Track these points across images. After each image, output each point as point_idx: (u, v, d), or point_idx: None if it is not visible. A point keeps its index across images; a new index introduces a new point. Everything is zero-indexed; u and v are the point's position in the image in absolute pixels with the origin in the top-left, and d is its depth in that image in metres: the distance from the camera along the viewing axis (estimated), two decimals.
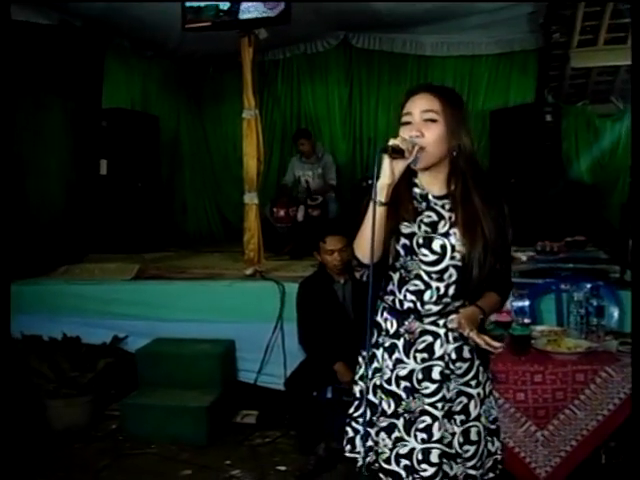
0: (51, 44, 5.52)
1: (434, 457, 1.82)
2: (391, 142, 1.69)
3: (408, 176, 1.82)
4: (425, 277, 1.81)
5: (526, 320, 2.72)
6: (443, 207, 1.84)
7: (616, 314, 3.32)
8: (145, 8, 5.29)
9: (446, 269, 1.80)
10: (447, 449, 1.84)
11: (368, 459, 1.89)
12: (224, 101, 7.57)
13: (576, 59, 6.04)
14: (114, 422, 4.07)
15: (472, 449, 1.88)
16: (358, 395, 2.01)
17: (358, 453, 1.96)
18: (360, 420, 1.96)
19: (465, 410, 1.88)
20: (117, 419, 4.05)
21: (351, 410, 2.03)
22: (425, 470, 1.82)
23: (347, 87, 7.50)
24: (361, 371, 2.00)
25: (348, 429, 2.02)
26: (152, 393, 4.00)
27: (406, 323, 1.86)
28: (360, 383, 2.00)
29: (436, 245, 1.80)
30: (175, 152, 7.61)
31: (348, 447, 2.01)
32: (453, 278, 1.81)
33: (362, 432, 1.92)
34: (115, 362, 4.15)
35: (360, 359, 2.01)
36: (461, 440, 1.86)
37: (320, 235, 3.57)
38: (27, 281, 4.60)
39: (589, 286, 3.02)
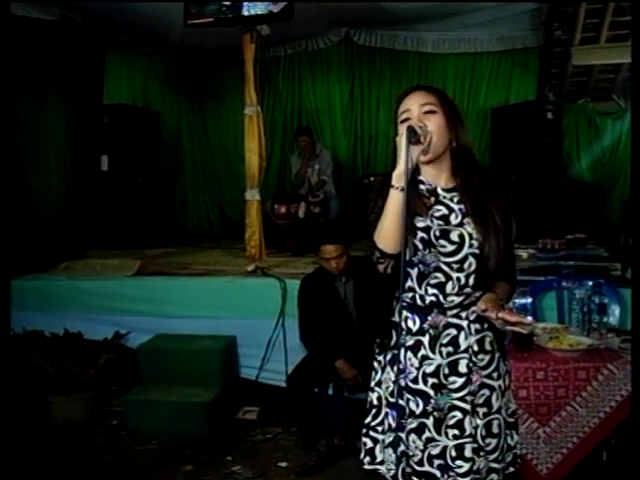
0: (52, 39, 5.52)
1: (468, 452, 1.80)
2: (411, 123, 1.72)
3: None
4: (445, 268, 1.80)
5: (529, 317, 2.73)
6: (452, 200, 1.84)
7: (617, 312, 3.32)
8: (146, 4, 5.29)
9: (465, 258, 1.80)
10: (473, 444, 1.82)
11: (402, 465, 1.83)
12: (225, 97, 7.58)
13: (578, 56, 6.03)
14: (116, 418, 4.08)
15: (494, 442, 1.87)
16: (376, 403, 1.94)
17: (380, 464, 1.91)
18: (379, 429, 1.91)
19: (487, 403, 1.86)
20: (119, 415, 4.06)
21: (368, 419, 1.95)
22: (461, 467, 1.79)
23: (348, 84, 7.50)
24: (377, 377, 1.94)
25: (366, 440, 1.95)
26: (154, 389, 4.00)
27: (429, 318, 1.83)
28: (377, 389, 1.94)
29: (454, 235, 1.80)
30: (176, 148, 7.61)
31: (367, 459, 1.94)
32: (472, 267, 1.80)
33: (390, 439, 1.87)
34: (117, 358, 4.15)
35: (375, 364, 1.96)
36: (484, 433, 1.84)
37: (316, 242, 3.56)
38: (28, 277, 4.60)
39: (591, 284, 3.02)
